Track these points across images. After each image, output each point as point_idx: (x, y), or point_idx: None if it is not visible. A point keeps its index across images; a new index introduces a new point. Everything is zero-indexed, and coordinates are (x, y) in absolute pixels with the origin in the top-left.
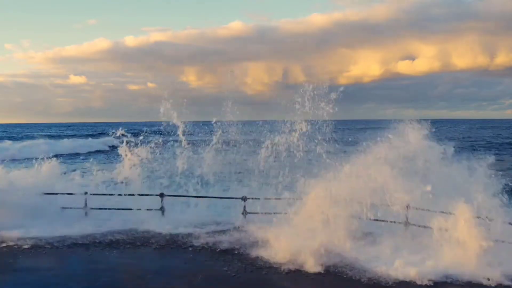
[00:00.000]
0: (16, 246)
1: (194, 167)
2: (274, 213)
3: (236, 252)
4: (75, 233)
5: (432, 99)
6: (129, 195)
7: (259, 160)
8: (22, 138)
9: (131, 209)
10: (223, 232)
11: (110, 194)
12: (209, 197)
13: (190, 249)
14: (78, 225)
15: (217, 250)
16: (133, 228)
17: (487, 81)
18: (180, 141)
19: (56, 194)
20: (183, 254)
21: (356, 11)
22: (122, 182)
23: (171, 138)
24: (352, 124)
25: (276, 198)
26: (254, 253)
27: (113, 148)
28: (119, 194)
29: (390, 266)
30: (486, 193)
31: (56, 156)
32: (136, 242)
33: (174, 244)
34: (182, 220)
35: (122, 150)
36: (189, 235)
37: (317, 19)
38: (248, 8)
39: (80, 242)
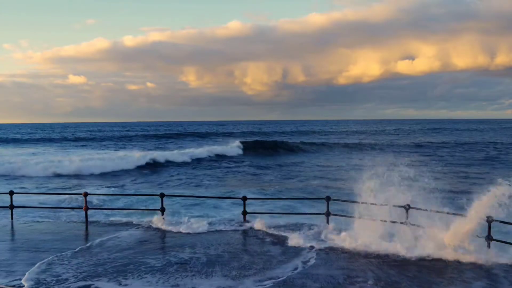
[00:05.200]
0: None
1: None
2: (274, 213)
3: None
4: None
5: (432, 99)
6: (129, 195)
7: None
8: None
9: (133, 209)
10: None
11: (107, 194)
12: (209, 197)
13: None
14: None
15: None
16: None
17: (487, 81)
18: None
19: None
20: None
21: (355, 11)
22: None
23: None
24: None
25: (276, 198)
26: None
27: None
28: (119, 194)
29: None
30: None
31: None
32: None
33: None
34: None
35: None
36: None
37: (316, 19)
38: (246, 8)
39: None
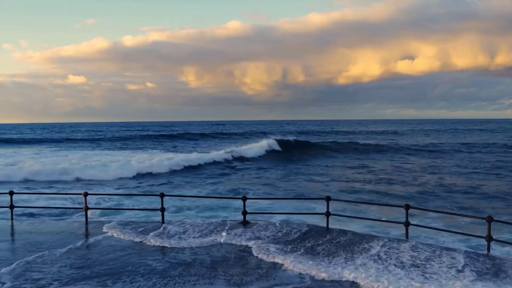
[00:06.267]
0: None
1: None
2: (274, 213)
3: None
4: None
5: (432, 99)
6: (129, 195)
7: None
8: None
9: (133, 209)
10: None
11: (108, 194)
12: (209, 197)
13: None
14: None
15: None
16: None
17: (487, 81)
18: None
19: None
20: None
21: (355, 10)
22: None
23: None
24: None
25: (275, 198)
26: None
27: None
28: (120, 194)
29: None
30: None
31: None
32: None
33: None
34: None
35: None
36: None
37: (315, 18)
38: (246, 8)
39: None
